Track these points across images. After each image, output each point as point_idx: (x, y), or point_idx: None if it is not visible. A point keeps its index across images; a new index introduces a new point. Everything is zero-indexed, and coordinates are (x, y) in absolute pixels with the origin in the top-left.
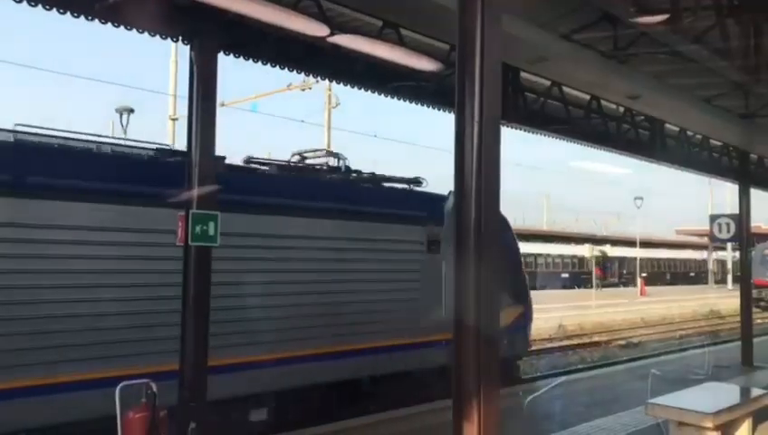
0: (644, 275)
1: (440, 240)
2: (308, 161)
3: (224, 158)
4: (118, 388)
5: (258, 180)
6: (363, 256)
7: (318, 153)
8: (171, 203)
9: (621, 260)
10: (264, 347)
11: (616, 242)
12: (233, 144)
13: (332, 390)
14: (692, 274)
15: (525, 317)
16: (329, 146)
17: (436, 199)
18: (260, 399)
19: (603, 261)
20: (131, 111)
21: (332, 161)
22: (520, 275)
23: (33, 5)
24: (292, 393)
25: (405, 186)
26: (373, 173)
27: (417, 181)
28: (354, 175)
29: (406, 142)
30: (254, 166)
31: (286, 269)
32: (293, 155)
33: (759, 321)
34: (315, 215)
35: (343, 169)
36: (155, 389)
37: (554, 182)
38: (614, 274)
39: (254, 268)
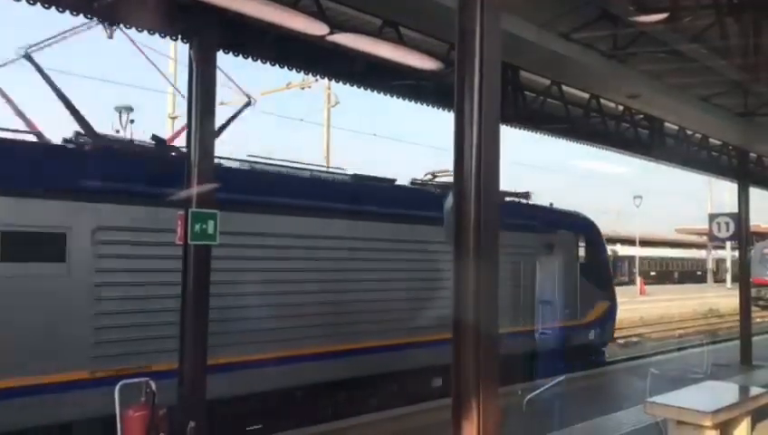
0: (653, 273)
1: (552, 245)
2: (438, 179)
3: (394, 180)
4: (117, 386)
5: (427, 198)
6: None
7: (448, 172)
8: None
9: (631, 259)
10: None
11: (624, 241)
12: (232, 143)
13: None
14: (699, 272)
15: (612, 311)
16: (328, 144)
17: (546, 210)
18: (438, 370)
19: (614, 260)
20: (131, 109)
21: None
22: (608, 276)
23: (31, 4)
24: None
25: (515, 200)
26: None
27: (526, 195)
28: None
29: (405, 142)
30: (416, 186)
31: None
32: (426, 174)
33: (758, 320)
34: None
35: None
36: (154, 387)
37: (551, 180)
38: (624, 273)
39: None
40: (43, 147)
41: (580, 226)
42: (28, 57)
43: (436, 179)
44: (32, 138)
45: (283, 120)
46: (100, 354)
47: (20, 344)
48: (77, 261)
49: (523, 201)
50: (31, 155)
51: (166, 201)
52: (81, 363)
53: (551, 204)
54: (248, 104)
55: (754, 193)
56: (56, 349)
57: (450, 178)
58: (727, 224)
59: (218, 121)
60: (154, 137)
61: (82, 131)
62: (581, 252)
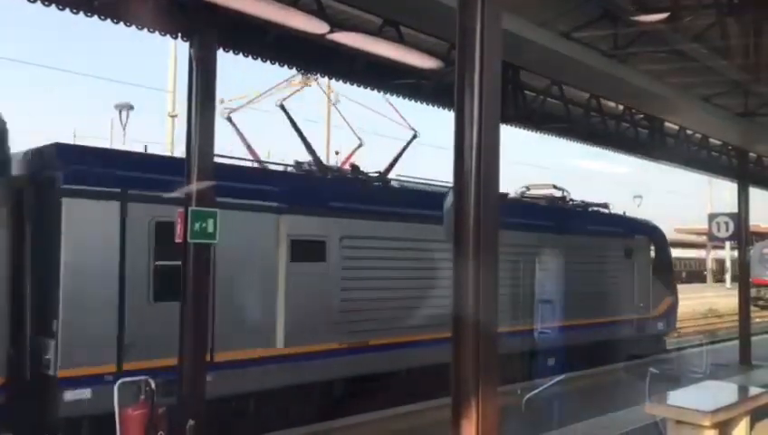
0: None
1: (632, 248)
2: (533, 192)
3: (507, 194)
4: (116, 385)
5: (540, 211)
6: (595, 259)
7: (545, 186)
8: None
9: None
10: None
11: None
12: (231, 142)
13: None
14: (705, 272)
15: (674, 305)
16: (328, 142)
17: (627, 219)
18: (552, 351)
19: None
20: (131, 107)
21: (556, 192)
22: (672, 275)
23: (32, 1)
24: (572, 349)
25: (599, 209)
26: (582, 201)
27: (605, 205)
28: (571, 202)
29: (403, 141)
30: (525, 199)
31: (566, 270)
32: (522, 187)
33: (758, 320)
34: (567, 232)
35: (568, 199)
36: (153, 386)
37: (547, 179)
38: None
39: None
40: (308, 177)
41: (651, 232)
42: (282, 107)
43: (530, 192)
44: (256, 165)
45: (282, 118)
46: (345, 330)
47: (306, 321)
48: (331, 261)
49: (605, 211)
50: (305, 184)
51: (372, 215)
52: (337, 337)
53: (624, 213)
54: (414, 137)
55: (754, 193)
56: (324, 326)
57: (543, 190)
58: (727, 224)
59: (387, 153)
60: (352, 165)
61: (301, 160)
62: (652, 254)
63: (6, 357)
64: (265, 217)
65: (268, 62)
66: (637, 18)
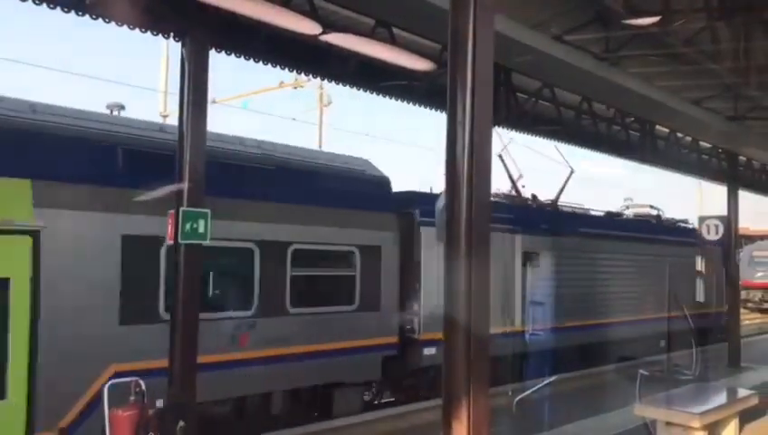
0: None
1: (703, 255)
2: (631, 209)
3: (621, 214)
4: (106, 386)
5: (647, 226)
6: (692, 264)
7: (642, 205)
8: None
9: None
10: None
11: None
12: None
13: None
14: None
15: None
16: (321, 143)
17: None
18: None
19: None
20: (122, 107)
21: (649, 211)
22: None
23: (23, 0)
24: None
25: (678, 223)
26: (672, 218)
27: (686, 221)
28: (661, 218)
29: (401, 142)
30: (634, 218)
31: (658, 272)
32: (623, 204)
33: (747, 322)
34: (661, 243)
35: (662, 216)
36: (143, 387)
37: (538, 178)
38: None
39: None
40: (522, 207)
41: (715, 241)
42: (500, 157)
43: (630, 210)
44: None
45: (275, 119)
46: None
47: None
48: (530, 267)
49: (691, 226)
50: (523, 212)
51: (545, 231)
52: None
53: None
54: (572, 173)
55: (743, 196)
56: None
57: (641, 209)
58: (716, 226)
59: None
60: (532, 195)
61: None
62: (717, 261)
63: (398, 325)
64: (512, 237)
65: (260, 62)
66: (628, 22)
